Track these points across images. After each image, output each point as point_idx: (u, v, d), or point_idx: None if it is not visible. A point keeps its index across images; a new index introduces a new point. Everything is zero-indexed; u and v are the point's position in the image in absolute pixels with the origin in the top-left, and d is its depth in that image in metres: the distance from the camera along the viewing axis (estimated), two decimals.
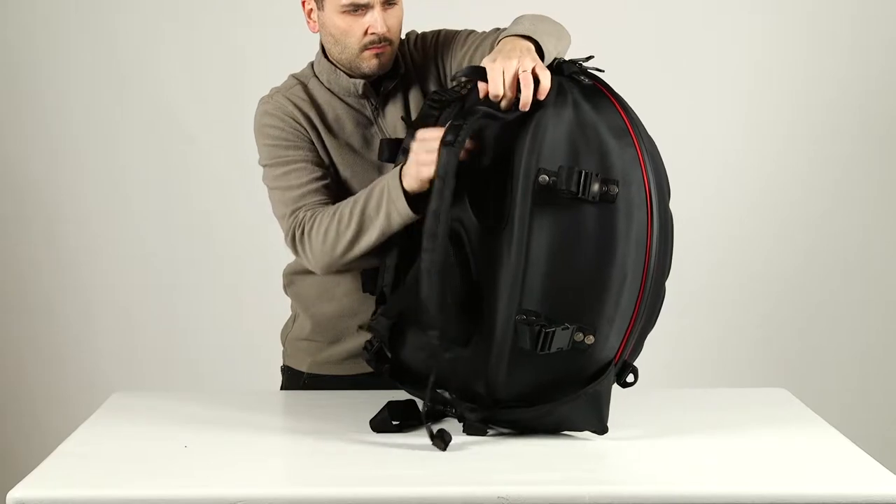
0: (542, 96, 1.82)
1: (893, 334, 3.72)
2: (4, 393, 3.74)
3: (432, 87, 2.22)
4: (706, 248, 3.65)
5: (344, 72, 2.20)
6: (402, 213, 1.96)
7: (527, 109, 1.82)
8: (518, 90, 1.82)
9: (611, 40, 3.48)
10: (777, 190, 3.67)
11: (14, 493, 1.64)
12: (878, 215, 3.68)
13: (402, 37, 2.22)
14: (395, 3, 2.14)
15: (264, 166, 2.20)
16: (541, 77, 1.82)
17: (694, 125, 3.63)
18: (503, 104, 1.84)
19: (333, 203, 2.12)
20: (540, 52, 1.91)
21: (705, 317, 3.70)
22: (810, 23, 3.62)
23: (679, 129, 3.59)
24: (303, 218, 2.10)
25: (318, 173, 2.15)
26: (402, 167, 1.95)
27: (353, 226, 2.02)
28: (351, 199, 2.05)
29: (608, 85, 1.90)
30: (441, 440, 1.83)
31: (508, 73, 1.82)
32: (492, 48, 1.98)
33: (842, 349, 3.72)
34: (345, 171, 2.19)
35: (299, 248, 2.11)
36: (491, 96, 1.84)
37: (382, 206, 1.98)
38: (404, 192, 1.94)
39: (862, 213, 3.68)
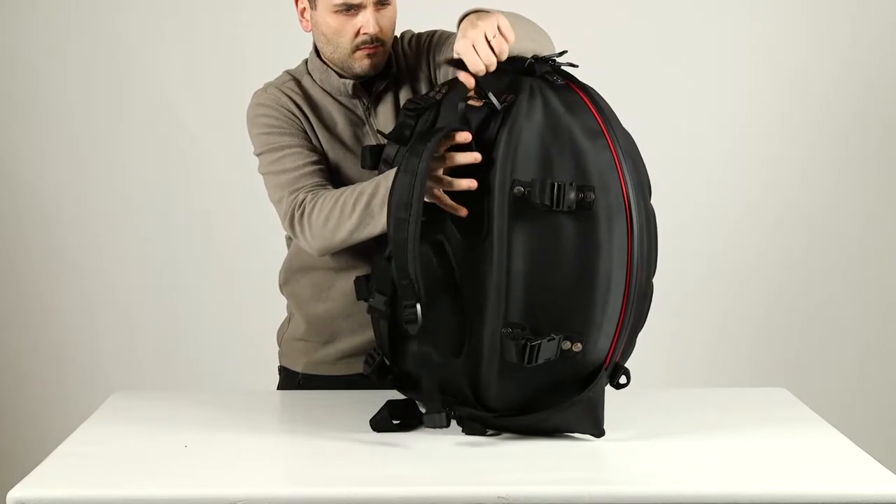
0: (502, 57, 1.84)
1: (893, 334, 3.72)
2: (4, 393, 3.74)
3: (423, 88, 2.22)
4: (706, 247, 3.65)
5: (335, 71, 2.20)
6: None
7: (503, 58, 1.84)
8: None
9: (610, 40, 3.49)
10: (777, 189, 3.67)
11: (14, 493, 1.64)
12: (877, 214, 3.68)
13: (397, 34, 2.22)
14: (387, 4, 2.14)
15: (259, 154, 2.19)
16: (507, 36, 1.84)
17: (692, 124, 3.63)
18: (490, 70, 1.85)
19: (331, 186, 2.11)
20: None
21: (705, 316, 3.70)
22: (808, 22, 3.62)
23: (677, 127, 3.59)
24: (303, 199, 2.08)
25: (314, 157, 2.15)
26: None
27: (355, 218, 2.00)
28: (355, 189, 2.03)
29: (580, 82, 1.88)
30: (444, 416, 1.82)
31: (480, 46, 1.83)
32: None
33: (842, 349, 3.72)
34: (335, 166, 2.19)
35: (297, 229, 2.09)
36: (477, 74, 1.84)
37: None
38: None
39: (862, 213, 3.68)
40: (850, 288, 3.70)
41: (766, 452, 1.84)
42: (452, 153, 1.84)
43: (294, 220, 2.09)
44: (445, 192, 1.86)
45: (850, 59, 3.61)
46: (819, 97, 3.62)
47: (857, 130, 3.65)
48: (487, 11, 1.93)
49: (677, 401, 2.16)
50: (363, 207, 1.99)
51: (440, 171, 1.85)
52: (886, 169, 3.66)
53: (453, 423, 1.92)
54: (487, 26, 1.84)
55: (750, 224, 3.68)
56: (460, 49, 1.85)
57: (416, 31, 2.30)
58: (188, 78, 3.62)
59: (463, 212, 1.85)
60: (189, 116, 3.63)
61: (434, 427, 1.82)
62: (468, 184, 1.83)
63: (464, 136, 1.84)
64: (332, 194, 2.06)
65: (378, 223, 1.97)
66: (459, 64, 1.87)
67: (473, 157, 1.83)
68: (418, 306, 1.79)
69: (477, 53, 1.83)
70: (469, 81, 1.86)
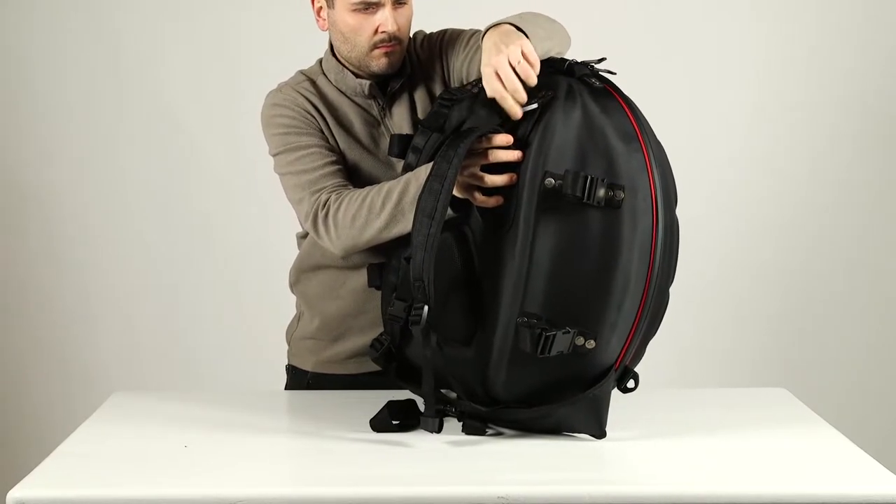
0: (529, 83, 1.84)
1: (893, 334, 3.72)
2: (4, 393, 3.74)
3: (437, 88, 2.22)
4: (706, 248, 3.64)
5: (351, 71, 2.20)
6: None
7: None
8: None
9: (613, 38, 3.48)
10: (778, 191, 3.66)
11: (14, 493, 1.64)
12: (878, 216, 3.67)
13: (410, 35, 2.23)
14: (404, 2, 2.14)
15: (276, 154, 2.18)
16: (532, 61, 1.84)
17: (695, 128, 3.62)
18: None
19: (351, 185, 2.11)
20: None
21: (705, 317, 3.70)
22: (815, 21, 3.61)
23: (680, 132, 3.58)
24: (326, 200, 2.08)
25: (333, 157, 2.14)
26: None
27: (385, 216, 2.00)
28: (381, 187, 2.02)
29: (618, 88, 1.89)
30: (437, 422, 1.83)
31: (504, 72, 1.83)
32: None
33: (842, 349, 3.72)
34: (352, 166, 2.18)
35: (322, 229, 2.08)
36: (502, 101, 1.85)
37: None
38: None
39: (863, 214, 3.67)
40: (851, 288, 3.70)
41: (766, 452, 1.84)
42: (494, 150, 1.86)
43: (318, 220, 2.08)
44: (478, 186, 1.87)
45: (856, 56, 3.60)
46: (824, 95, 3.61)
47: (862, 131, 3.64)
48: (511, 25, 1.92)
49: (677, 401, 2.16)
50: (393, 205, 1.99)
51: (477, 168, 1.86)
52: (889, 169, 3.66)
53: (454, 421, 1.92)
54: (512, 53, 1.84)
55: (750, 225, 3.67)
56: (485, 78, 1.85)
57: (428, 30, 2.29)
58: (188, 78, 3.62)
59: (492, 202, 1.86)
60: (189, 116, 3.63)
61: (427, 430, 1.84)
62: (503, 179, 1.84)
63: (505, 139, 1.85)
64: (357, 193, 2.05)
65: (409, 221, 1.95)
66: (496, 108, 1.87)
67: (515, 155, 1.84)
68: (425, 309, 1.80)
69: (501, 81, 1.83)
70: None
